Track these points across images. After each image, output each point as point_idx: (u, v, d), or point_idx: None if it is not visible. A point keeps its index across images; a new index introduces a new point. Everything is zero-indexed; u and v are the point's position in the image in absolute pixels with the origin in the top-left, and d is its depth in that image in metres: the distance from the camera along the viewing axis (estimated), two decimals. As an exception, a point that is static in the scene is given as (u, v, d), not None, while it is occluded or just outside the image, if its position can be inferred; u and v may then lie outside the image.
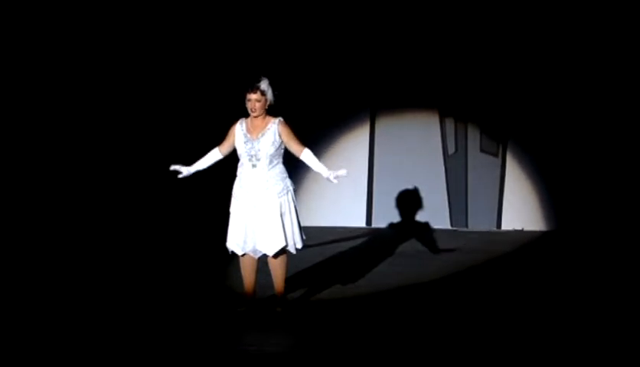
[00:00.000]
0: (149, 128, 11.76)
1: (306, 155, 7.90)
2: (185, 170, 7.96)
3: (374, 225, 12.10)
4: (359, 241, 11.28)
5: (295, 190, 7.98)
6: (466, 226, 11.99)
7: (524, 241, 11.35)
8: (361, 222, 12.13)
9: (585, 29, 11.52)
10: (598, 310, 8.21)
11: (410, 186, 11.98)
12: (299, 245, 8.04)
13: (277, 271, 7.99)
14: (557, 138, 11.71)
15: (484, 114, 11.89)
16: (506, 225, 11.96)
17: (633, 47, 11.38)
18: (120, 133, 11.74)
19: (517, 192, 11.92)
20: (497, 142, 11.92)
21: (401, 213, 12.00)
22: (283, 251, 7.93)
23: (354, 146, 12.11)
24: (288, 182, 7.92)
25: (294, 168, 11.92)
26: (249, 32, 11.74)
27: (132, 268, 9.78)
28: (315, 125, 11.95)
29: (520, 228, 11.90)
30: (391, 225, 11.97)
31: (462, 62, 11.81)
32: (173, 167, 7.97)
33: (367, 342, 7.37)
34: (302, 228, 8.06)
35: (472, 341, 7.38)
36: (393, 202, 12.02)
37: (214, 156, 7.99)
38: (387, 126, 12.05)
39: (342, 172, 7.78)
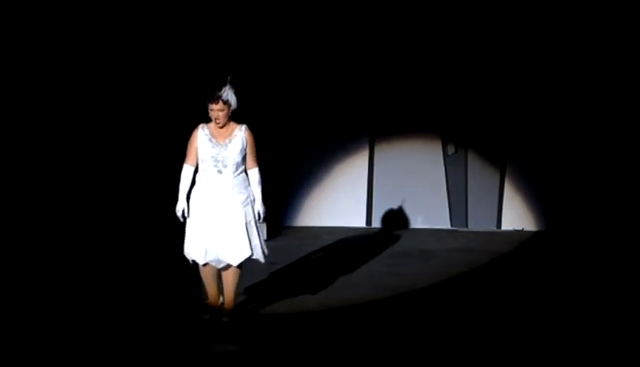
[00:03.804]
0: (138, 130, 11.55)
1: (254, 173, 7.80)
2: (184, 206, 7.74)
3: (374, 225, 12.11)
4: (359, 241, 11.29)
5: (254, 200, 7.81)
6: (466, 226, 11.99)
7: (524, 241, 11.36)
8: (361, 222, 12.13)
9: (575, 37, 11.53)
10: (597, 309, 8.22)
11: (410, 187, 11.98)
12: (265, 254, 7.86)
13: (231, 284, 7.79)
14: (556, 139, 11.71)
15: (484, 114, 11.88)
16: (506, 225, 11.95)
17: (623, 55, 11.41)
18: (109, 135, 11.52)
19: (517, 192, 11.92)
20: (498, 142, 11.91)
21: (401, 213, 12.00)
22: (242, 264, 7.76)
23: (354, 145, 12.10)
24: (251, 191, 7.79)
25: (294, 168, 12.06)
26: (248, 52, 11.67)
27: (107, 273, 9.58)
28: (315, 123, 11.97)
29: (520, 228, 11.90)
30: (391, 225, 11.97)
31: (462, 63, 11.81)
32: (181, 217, 7.77)
33: (367, 342, 7.37)
34: (263, 239, 7.90)
35: (472, 341, 7.39)
36: (393, 203, 12.02)
37: (190, 173, 7.77)
38: (388, 126, 12.05)
39: (261, 211, 7.78)
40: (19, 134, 10.92)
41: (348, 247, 10.94)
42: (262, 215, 7.84)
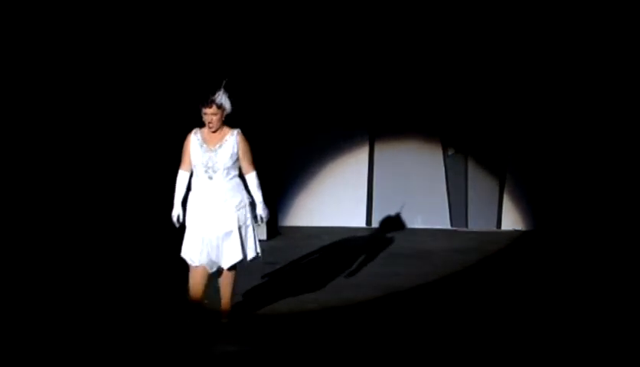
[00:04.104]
0: (135, 133, 11.48)
1: (251, 177, 7.73)
2: (180, 211, 7.73)
3: (374, 225, 12.10)
4: (359, 241, 11.29)
5: (251, 203, 7.77)
6: (466, 226, 11.99)
7: (524, 241, 11.35)
8: (361, 222, 12.13)
9: (573, 48, 11.56)
10: (594, 308, 8.22)
11: (410, 187, 11.98)
12: (254, 255, 7.80)
13: (227, 286, 7.78)
14: (555, 140, 11.72)
15: (485, 115, 11.89)
16: (506, 225, 11.96)
17: (618, 68, 11.45)
18: (106, 138, 11.45)
19: (517, 192, 11.92)
20: (498, 143, 11.92)
21: (401, 213, 12.00)
22: (235, 266, 7.75)
23: (354, 145, 12.11)
24: (245, 194, 7.73)
25: (294, 168, 12.06)
26: (249, 53, 11.66)
27: (106, 274, 9.53)
28: (315, 123, 11.97)
29: (520, 228, 11.90)
30: (391, 226, 11.97)
31: (460, 63, 11.82)
32: (176, 222, 7.75)
33: (366, 342, 7.37)
34: (258, 241, 7.85)
35: (471, 341, 7.39)
36: (393, 203, 12.02)
37: (185, 179, 7.75)
38: (388, 126, 12.06)
39: (264, 215, 7.75)
40: (18, 137, 10.90)
41: (348, 247, 10.94)
42: (264, 218, 7.82)
